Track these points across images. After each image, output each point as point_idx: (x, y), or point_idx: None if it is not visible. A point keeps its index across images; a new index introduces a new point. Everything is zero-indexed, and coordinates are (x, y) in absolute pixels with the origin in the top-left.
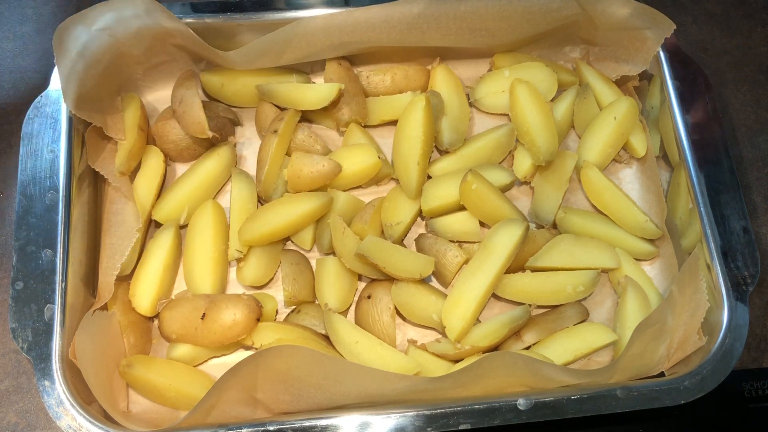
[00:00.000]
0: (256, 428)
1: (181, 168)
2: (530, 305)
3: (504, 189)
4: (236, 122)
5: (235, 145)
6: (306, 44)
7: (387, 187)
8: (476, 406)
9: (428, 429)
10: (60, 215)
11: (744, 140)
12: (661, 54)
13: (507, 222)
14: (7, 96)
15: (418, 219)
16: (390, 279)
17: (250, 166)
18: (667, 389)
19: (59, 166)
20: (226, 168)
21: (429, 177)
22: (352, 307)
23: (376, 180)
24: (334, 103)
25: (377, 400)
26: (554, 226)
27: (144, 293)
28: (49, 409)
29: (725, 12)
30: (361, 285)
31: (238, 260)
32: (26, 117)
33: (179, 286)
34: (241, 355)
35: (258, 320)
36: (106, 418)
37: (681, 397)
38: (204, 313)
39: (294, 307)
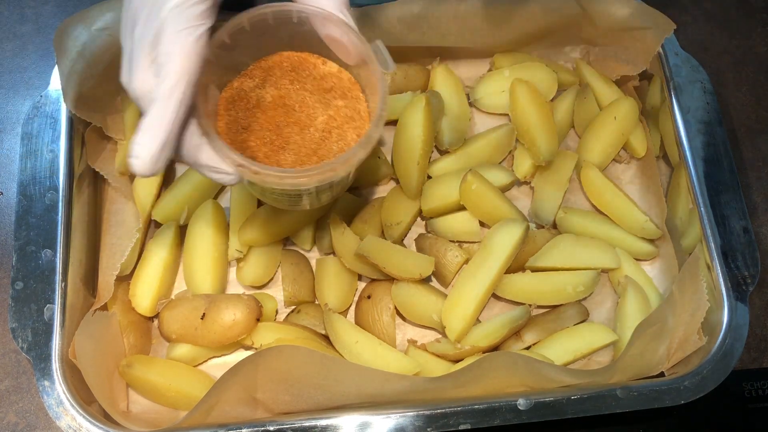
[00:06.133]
0: (256, 428)
1: (181, 168)
2: (530, 305)
3: (504, 189)
4: None
5: None
6: None
7: (387, 187)
8: (476, 406)
9: (428, 429)
10: (60, 215)
11: (744, 140)
12: (661, 54)
13: (507, 222)
14: (6, 96)
15: (418, 219)
16: (390, 279)
17: None
18: (667, 389)
19: (59, 166)
20: None
21: (429, 177)
22: (352, 307)
23: (375, 180)
24: None
25: (377, 400)
26: (554, 226)
27: (144, 293)
28: (48, 409)
29: (725, 12)
30: (361, 285)
31: (238, 260)
32: (26, 117)
33: (179, 286)
34: (241, 355)
35: (258, 320)
36: (106, 418)
37: (681, 397)
38: (204, 313)
39: (294, 307)
